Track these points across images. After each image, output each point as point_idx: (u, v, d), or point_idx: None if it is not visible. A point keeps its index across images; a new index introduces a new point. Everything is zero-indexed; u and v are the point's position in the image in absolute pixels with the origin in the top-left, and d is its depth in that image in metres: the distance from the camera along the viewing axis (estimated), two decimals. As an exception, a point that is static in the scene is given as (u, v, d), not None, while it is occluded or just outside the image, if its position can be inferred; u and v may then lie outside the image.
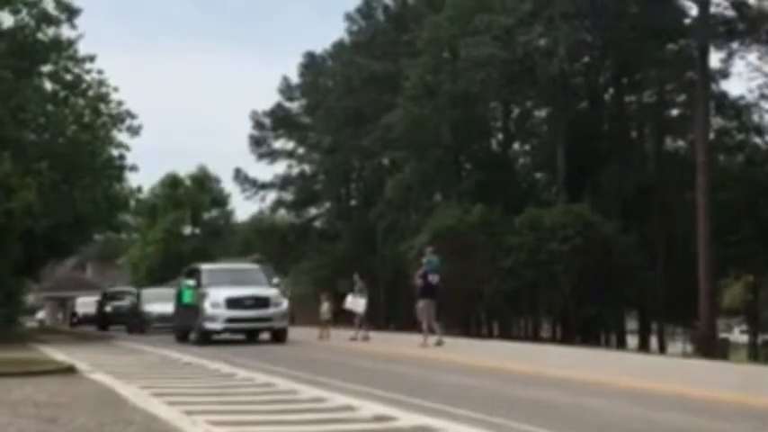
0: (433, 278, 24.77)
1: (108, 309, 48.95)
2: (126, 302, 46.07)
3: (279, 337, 27.10)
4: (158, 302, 37.61)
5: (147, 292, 42.57)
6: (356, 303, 29.12)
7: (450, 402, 11.55)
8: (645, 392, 13.17)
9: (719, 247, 44.24)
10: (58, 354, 22.56)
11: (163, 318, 35.43)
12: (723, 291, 53.69)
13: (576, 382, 14.67)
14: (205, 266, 30.70)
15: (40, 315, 78.03)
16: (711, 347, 40.51)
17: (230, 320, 26.69)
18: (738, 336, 59.49)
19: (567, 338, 46.09)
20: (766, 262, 46.07)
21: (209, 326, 26.72)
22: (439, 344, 23.57)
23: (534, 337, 51.50)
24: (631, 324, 56.73)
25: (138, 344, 28.76)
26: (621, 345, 50.03)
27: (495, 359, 19.66)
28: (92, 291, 65.52)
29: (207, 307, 26.71)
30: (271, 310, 26.97)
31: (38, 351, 24.95)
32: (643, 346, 49.49)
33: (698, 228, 43.65)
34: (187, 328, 28.68)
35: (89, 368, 17.61)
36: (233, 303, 26.66)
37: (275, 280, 29.92)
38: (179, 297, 29.97)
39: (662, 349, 49.44)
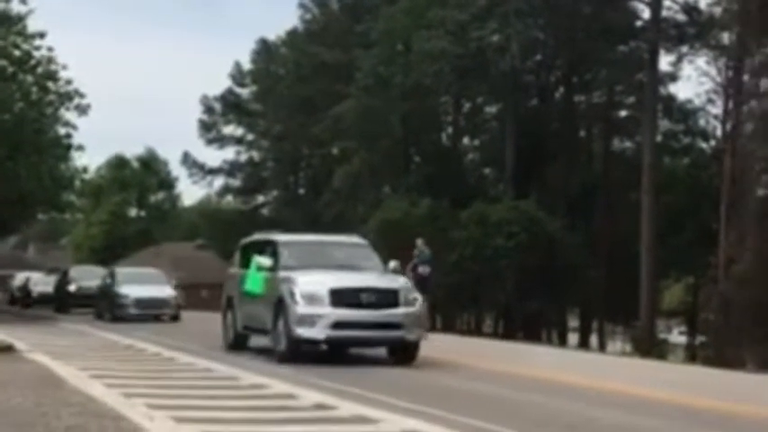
0: (424, 270, 23.65)
1: (71, 288, 40.40)
2: (94, 282, 37.06)
3: (406, 354, 16.40)
4: (136, 284, 32.13)
5: (123, 272, 35.81)
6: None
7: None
8: (584, 389, 13.31)
9: (662, 249, 44.81)
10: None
11: (142, 302, 30.89)
12: (663, 292, 54.36)
13: (519, 377, 14.81)
14: (284, 238, 18.56)
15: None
16: (650, 347, 40.98)
17: (338, 326, 15.76)
18: (677, 337, 60.21)
19: (508, 334, 46.35)
20: (706, 265, 46.66)
21: (303, 332, 15.74)
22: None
23: (477, 332, 51.74)
24: (573, 321, 57.23)
25: (82, 325, 28.02)
26: (562, 342, 50.48)
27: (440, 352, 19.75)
28: (33, 270, 64.54)
29: (298, 302, 15.77)
30: (401, 311, 16.04)
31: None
32: (583, 344, 49.96)
33: (641, 228, 44.18)
34: (256, 330, 17.89)
35: (28, 348, 17.41)
36: (342, 298, 15.92)
37: (392, 263, 17.97)
38: (241, 281, 18.37)
39: (601, 347, 49.91)
